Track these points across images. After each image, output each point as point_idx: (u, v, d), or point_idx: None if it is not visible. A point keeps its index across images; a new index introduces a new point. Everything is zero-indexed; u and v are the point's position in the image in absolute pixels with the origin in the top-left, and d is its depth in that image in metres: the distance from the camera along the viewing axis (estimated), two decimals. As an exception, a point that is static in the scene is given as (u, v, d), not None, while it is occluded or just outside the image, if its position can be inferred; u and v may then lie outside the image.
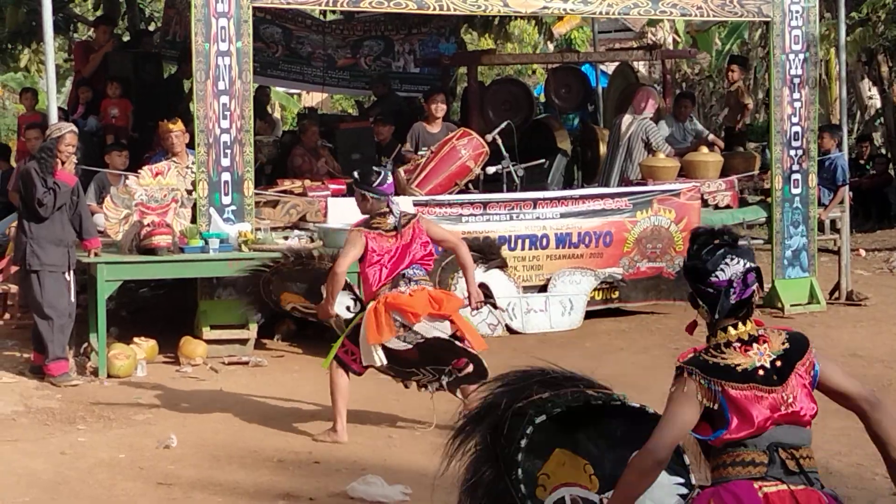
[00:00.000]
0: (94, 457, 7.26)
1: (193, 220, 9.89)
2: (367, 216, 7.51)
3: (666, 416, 3.76)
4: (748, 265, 3.79)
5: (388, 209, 7.43)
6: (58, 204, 8.97)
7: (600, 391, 4.19)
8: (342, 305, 7.64)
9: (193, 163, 10.10)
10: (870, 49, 19.11)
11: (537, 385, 4.21)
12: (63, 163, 9.08)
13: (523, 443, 4.09)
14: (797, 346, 3.83)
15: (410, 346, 7.29)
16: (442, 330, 7.34)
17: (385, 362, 7.35)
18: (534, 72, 25.29)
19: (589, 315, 10.99)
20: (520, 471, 4.07)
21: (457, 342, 7.34)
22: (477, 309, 7.75)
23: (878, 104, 21.92)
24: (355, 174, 7.64)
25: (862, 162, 19.26)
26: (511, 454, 4.11)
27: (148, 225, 9.47)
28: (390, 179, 7.55)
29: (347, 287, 7.60)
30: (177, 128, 10.63)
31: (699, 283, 3.82)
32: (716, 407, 3.74)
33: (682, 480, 4.02)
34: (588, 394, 4.16)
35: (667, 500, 3.98)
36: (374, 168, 7.61)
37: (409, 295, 7.29)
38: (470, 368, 7.32)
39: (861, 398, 3.82)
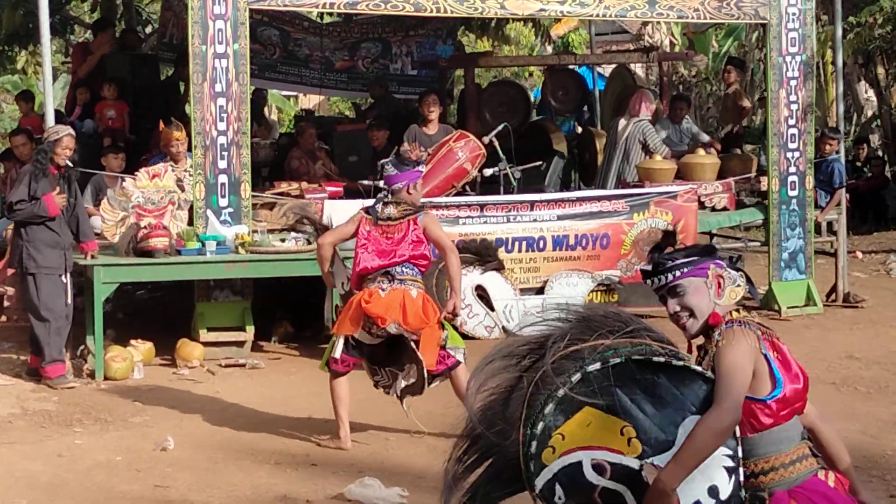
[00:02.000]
0: (92, 459, 7.26)
1: (190, 223, 9.89)
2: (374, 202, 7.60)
3: (733, 372, 3.64)
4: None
5: (385, 199, 7.46)
6: (54, 206, 8.96)
7: (666, 347, 3.74)
8: (339, 281, 7.69)
9: (191, 165, 10.09)
10: (866, 51, 19.11)
11: (604, 328, 3.76)
12: (59, 166, 9.08)
13: (560, 393, 3.61)
14: None
15: (379, 341, 7.31)
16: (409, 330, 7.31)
17: (337, 356, 7.36)
18: (531, 74, 25.32)
19: (586, 317, 10.96)
20: (541, 425, 3.62)
21: (413, 345, 7.27)
22: (448, 320, 7.56)
23: (875, 106, 21.93)
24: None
25: (859, 164, 19.23)
26: (541, 401, 3.66)
27: (145, 227, 9.47)
28: (389, 170, 7.49)
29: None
30: (182, 135, 10.56)
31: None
32: (764, 366, 3.74)
33: (730, 452, 3.68)
34: (653, 348, 3.71)
35: (714, 471, 3.67)
36: (385, 160, 7.66)
37: (388, 293, 7.22)
38: (411, 377, 7.33)
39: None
